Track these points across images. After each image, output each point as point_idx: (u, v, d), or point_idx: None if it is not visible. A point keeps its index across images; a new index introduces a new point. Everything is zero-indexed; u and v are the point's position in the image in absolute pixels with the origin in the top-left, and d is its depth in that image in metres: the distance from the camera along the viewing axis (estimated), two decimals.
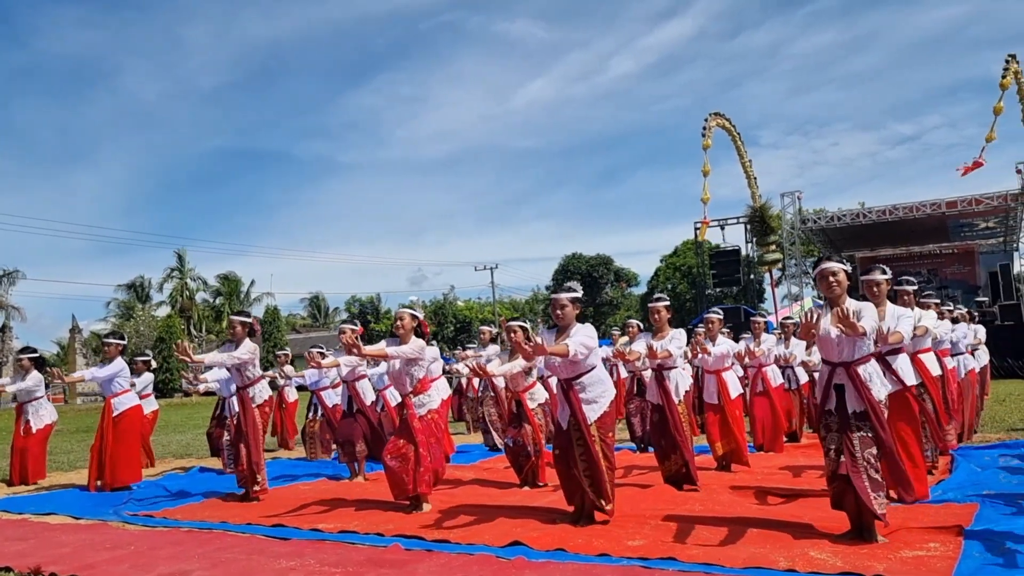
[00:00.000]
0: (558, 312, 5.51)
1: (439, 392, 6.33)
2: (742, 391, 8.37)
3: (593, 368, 5.47)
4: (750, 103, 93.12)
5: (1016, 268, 26.47)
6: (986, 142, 18.24)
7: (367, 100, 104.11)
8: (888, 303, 5.87)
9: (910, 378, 5.85)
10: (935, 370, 6.68)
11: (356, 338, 6.28)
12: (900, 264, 29.09)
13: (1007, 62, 18.37)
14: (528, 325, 6.99)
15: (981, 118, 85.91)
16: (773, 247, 27.29)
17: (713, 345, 7.76)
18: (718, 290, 29.71)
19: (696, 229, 28.07)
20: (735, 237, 29.00)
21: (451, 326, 53.87)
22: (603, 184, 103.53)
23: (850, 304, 4.62)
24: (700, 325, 9.73)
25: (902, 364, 5.86)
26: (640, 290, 58.53)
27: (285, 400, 11.82)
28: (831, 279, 4.71)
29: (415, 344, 6.16)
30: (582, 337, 5.33)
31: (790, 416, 9.35)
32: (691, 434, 6.84)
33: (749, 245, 28.57)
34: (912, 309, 6.57)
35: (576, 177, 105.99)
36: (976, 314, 12.06)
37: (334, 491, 7.29)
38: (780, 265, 29.34)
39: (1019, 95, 18.55)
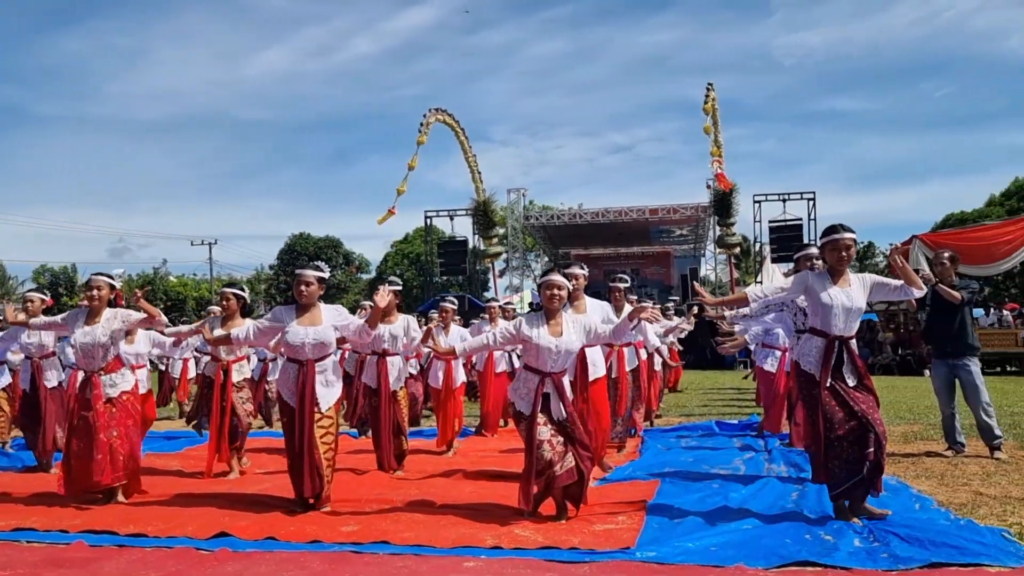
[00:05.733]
0: (302, 289, 5.34)
1: (133, 373, 5.86)
2: (465, 379, 8.68)
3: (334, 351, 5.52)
4: (484, 99, 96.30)
5: (703, 271, 30.10)
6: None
7: (73, 45, 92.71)
8: (584, 296, 6.35)
9: (599, 371, 6.21)
10: (631, 363, 7.39)
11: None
12: (608, 263, 31.85)
13: (708, 89, 20.67)
14: (246, 294, 6.86)
15: (683, 135, 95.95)
16: (495, 240, 28.52)
17: (446, 333, 8.01)
18: (444, 278, 30.41)
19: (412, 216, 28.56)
20: (463, 228, 29.85)
21: (162, 303, 49.95)
22: (334, 165, 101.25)
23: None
24: (432, 311, 9.94)
25: (593, 356, 6.19)
26: (369, 275, 58.26)
27: None
28: (555, 290, 4.95)
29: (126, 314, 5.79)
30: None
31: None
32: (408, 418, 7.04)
33: (476, 237, 29.60)
34: (623, 306, 7.17)
35: (307, 155, 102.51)
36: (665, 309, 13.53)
37: (13, 484, 6.39)
38: (503, 257, 30.72)
39: (713, 119, 20.96)
